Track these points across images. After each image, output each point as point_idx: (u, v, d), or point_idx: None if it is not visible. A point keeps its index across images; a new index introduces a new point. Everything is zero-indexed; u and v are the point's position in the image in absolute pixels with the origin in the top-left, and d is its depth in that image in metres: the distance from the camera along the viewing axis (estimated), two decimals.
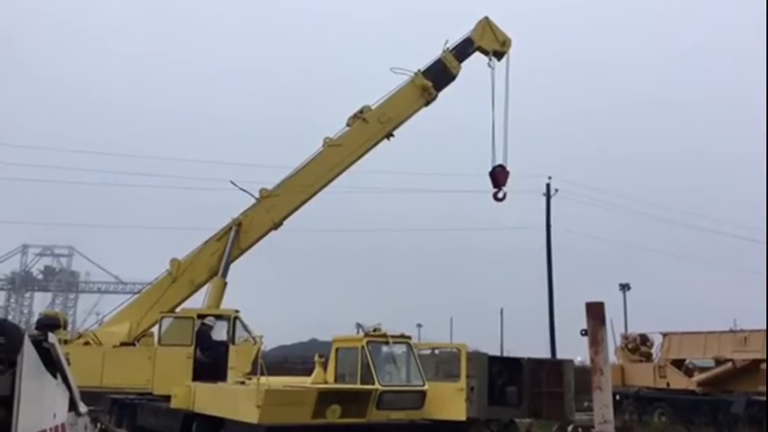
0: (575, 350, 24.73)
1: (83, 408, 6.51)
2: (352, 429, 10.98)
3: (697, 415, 23.02)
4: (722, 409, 23.05)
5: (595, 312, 14.67)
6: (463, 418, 14.06)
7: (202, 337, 14.72)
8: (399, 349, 12.86)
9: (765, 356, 23.43)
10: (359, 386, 11.58)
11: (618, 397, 21.23)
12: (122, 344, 15.30)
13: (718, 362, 24.99)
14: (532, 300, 39.62)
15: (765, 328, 23.14)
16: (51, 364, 5.62)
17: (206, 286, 16.59)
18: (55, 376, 5.70)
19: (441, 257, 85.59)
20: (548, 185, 38.10)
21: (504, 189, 17.84)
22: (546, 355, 30.50)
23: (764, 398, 22.66)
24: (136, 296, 17.41)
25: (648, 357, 27.57)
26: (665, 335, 27.09)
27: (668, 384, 25.55)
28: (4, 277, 68.66)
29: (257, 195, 16.93)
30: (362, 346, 11.89)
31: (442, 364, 15.08)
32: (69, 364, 6.30)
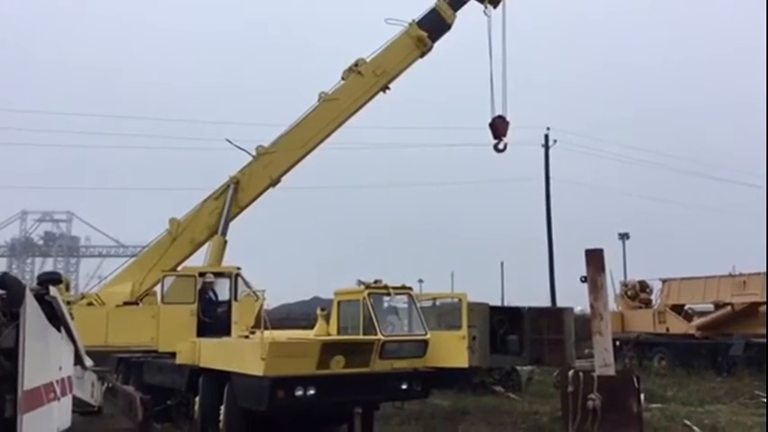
0: (575, 300, 24.95)
1: (88, 362, 6.57)
2: (356, 379, 11.08)
3: (696, 358, 23.35)
4: (721, 351, 23.39)
5: (595, 259, 14.75)
6: (465, 365, 14.22)
7: (205, 295, 14.81)
8: (401, 300, 12.91)
9: (764, 299, 23.69)
10: (362, 337, 11.66)
11: (618, 343, 21.49)
12: (125, 303, 15.37)
13: (717, 306, 25.27)
14: (533, 252, 39.81)
15: (765, 271, 23.33)
16: (55, 318, 5.65)
17: (206, 245, 16.61)
18: (59, 330, 5.73)
19: (441, 212, 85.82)
20: (546, 136, 38.04)
21: (505, 140, 17.74)
22: (547, 305, 30.73)
23: (763, 340, 22.98)
24: (136, 257, 17.42)
25: (648, 304, 27.86)
26: (664, 281, 27.33)
27: (668, 329, 25.88)
28: (5, 243, 68.89)
29: (254, 153, 16.82)
30: (364, 298, 11.93)
31: (444, 315, 15.21)
32: (73, 318, 6.33)
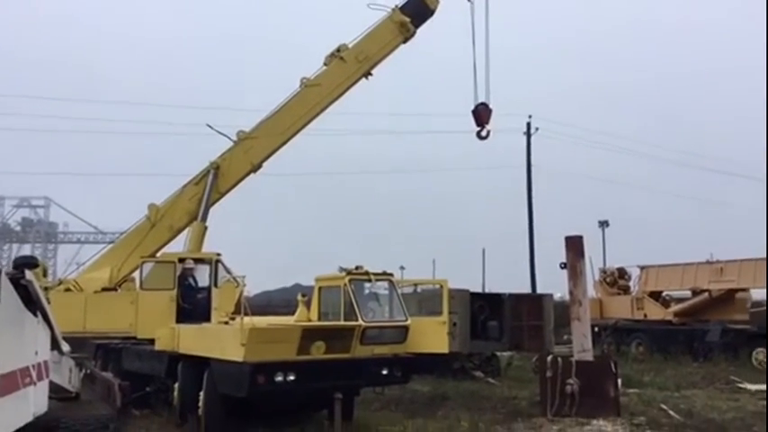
0: (555, 287, 25.17)
1: (65, 347, 6.50)
2: (336, 364, 11.08)
3: (673, 344, 23.67)
4: (698, 337, 23.72)
5: (574, 245, 14.89)
6: (446, 350, 14.32)
7: (184, 281, 14.72)
8: (382, 286, 12.91)
9: (741, 286, 24.07)
10: (342, 323, 11.66)
11: (596, 329, 21.74)
12: (104, 289, 15.25)
13: (695, 292, 25.61)
14: (514, 239, 40.01)
15: (742, 258, 23.68)
16: (30, 302, 5.58)
17: (186, 231, 16.50)
18: (35, 314, 5.66)
19: (423, 199, 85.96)
20: (528, 124, 38.23)
21: (488, 127, 17.76)
22: (527, 292, 30.93)
23: (740, 326, 23.37)
24: (115, 242, 17.27)
25: (626, 290, 28.14)
26: (642, 268, 27.60)
27: (645, 316, 26.18)
28: None
29: (235, 138, 16.70)
30: (345, 285, 11.91)
31: (425, 301, 15.28)
32: (49, 303, 6.25)
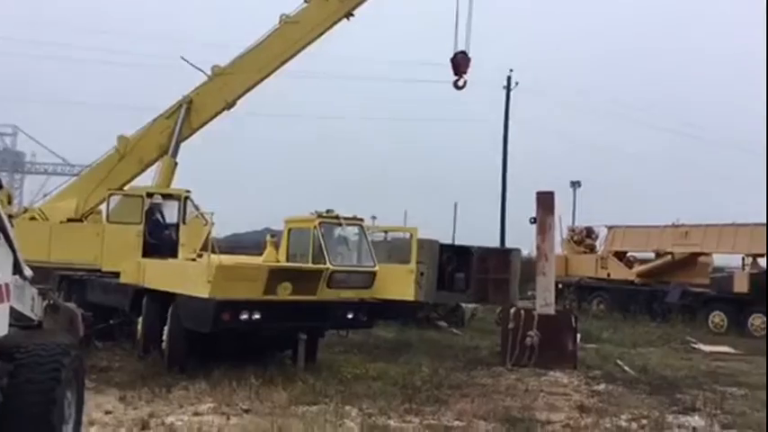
0: (524, 244, 25.39)
1: (28, 271, 6.37)
2: (302, 306, 11.14)
3: (633, 303, 24.23)
4: (657, 298, 24.31)
5: (545, 201, 15.03)
6: (412, 298, 14.45)
7: (152, 216, 14.54)
8: (351, 231, 12.92)
9: (704, 250, 24.58)
10: (310, 265, 11.69)
11: (560, 285, 22.06)
12: (69, 220, 15.04)
13: (658, 254, 26.11)
14: (488, 195, 40.17)
15: (707, 224, 24.12)
16: None
17: (155, 166, 16.24)
18: None
19: (398, 148, 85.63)
20: (509, 78, 37.98)
21: (465, 77, 17.57)
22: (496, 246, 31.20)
23: (698, 289, 23.94)
24: (82, 173, 16.98)
25: (592, 249, 28.60)
26: (609, 228, 28.00)
27: (609, 275, 26.67)
28: None
29: (209, 73, 16.33)
30: (315, 227, 11.88)
31: (395, 250, 15.33)
32: (13, 227, 6.12)
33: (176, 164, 16.09)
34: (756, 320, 21.17)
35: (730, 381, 12.65)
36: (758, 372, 13.57)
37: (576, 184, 49.63)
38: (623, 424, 9.05)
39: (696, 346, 17.81)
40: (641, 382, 12.00)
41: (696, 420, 9.42)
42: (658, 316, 23.12)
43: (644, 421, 9.19)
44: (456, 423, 8.69)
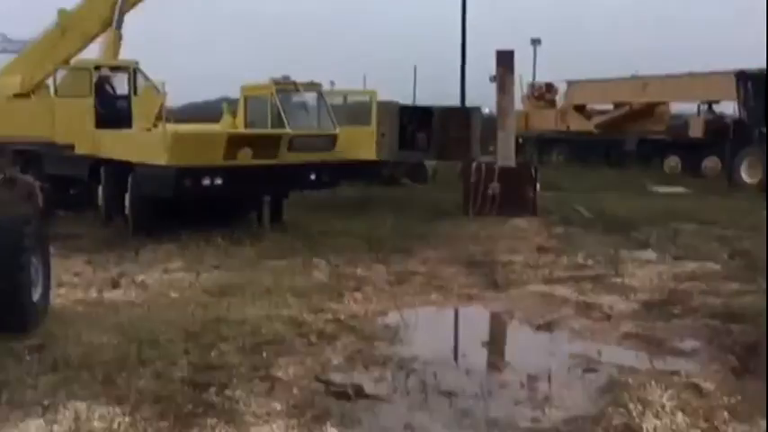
0: (484, 103, 25.32)
1: None
2: (264, 170, 11.12)
3: (592, 154, 24.78)
4: (615, 147, 24.84)
5: (505, 60, 14.97)
6: (374, 158, 14.59)
7: (102, 89, 14.11)
8: (310, 97, 12.77)
9: (662, 100, 24.89)
10: (269, 130, 11.59)
11: (520, 140, 22.33)
12: (16, 96, 14.54)
13: (617, 106, 26.42)
14: (447, 57, 39.39)
15: (666, 74, 24.23)
16: None
17: (99, 39, 15.55)
18: None
19: (356, 11, 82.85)
20: None
21: None
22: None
23: (656, 136, 24.47)
24: (24, 49, 16.20)
25: (552, 104, 28.78)
26: (569, 83, 28.05)
27: (568, 128, 27.05)
28: None
29: None
30: (272, 94, 11.72)
31: (355, 113, 15.26)
32: None
33: (121, 36, 15.41)
34: (709, 163, 21.84)
35: (684, 218, 13.05)
36: (710, 209, 14.11)
37: (536, 42, 49.01)
38: (580, 261, 9.49)
39: (651, 188, 18.37)
40: (598, 223, 12.44)
41: (649, 254, 9.89)
42: (616, 164, 23.70)
43: (599, 257, 9.60)
44: (421, 269, 9.02)
